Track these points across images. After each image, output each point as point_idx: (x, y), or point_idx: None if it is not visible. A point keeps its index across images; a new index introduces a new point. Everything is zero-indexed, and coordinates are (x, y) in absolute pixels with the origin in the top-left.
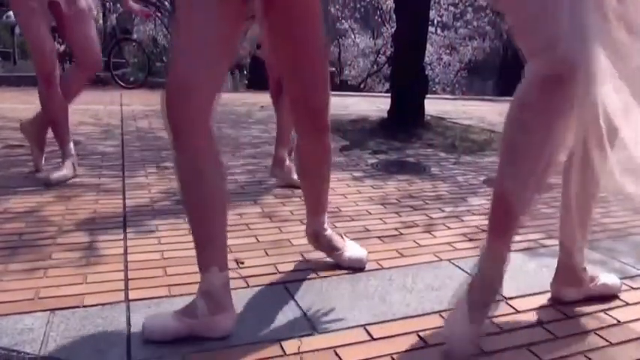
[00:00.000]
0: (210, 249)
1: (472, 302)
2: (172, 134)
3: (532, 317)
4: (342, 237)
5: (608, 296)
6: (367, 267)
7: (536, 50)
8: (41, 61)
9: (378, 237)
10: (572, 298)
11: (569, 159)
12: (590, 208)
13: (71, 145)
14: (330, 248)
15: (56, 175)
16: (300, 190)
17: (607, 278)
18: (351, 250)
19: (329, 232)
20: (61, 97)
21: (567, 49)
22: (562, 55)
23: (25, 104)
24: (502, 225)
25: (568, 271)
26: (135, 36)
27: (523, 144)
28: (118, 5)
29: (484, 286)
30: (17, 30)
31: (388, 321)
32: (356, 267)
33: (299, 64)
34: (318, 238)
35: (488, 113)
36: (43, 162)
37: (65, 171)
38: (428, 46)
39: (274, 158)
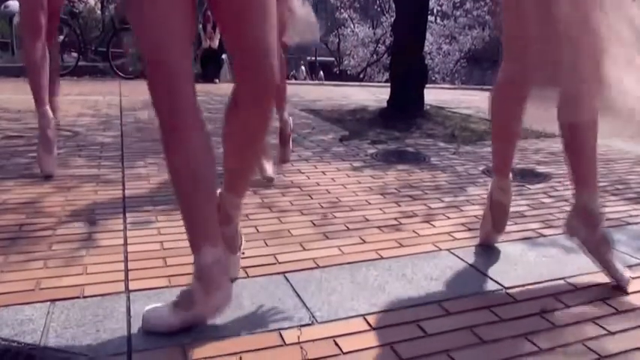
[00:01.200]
0: (201, 229)
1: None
2: (165, 121)
3: (531, 306)
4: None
5: (611, 282)
6: (367, 257)
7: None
8: (29, 11)
9: (378, 227)
10: (580, 236)
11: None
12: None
13: (48, 107)
14: (231, 245)
15: (52, 163)
16: (300, 181)
17: (621, 267)
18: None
19: (239, 226)
20: (44, 51)
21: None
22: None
23: (24, 94)
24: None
25: (581, 210)
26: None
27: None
28: None
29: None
30: (15, 20)
31: (387, 311)
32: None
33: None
34: (228, 221)
35: (488, 103)
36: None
37: (52, 157)
38: (427, 35)
39: None
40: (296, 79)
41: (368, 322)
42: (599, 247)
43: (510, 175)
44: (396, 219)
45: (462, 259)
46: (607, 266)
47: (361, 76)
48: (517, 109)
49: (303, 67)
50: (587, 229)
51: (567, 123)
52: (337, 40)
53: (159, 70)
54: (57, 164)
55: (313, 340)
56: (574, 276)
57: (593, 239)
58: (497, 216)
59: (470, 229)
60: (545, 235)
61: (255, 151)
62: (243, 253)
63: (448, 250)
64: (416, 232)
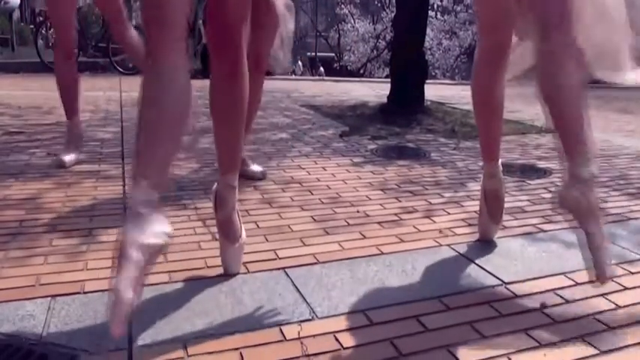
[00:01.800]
0: (144, 162)
1: None
2: (150, 48)
3: (531, 302)
4: (242, 227)
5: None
6: (367, 252)
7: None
8: (64, 31)
9: (378, 222)
10: (571, 203)
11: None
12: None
13: (79, 117)
14: (227, 232)
15: (68, 158)
16: (300, 176)
17: (608, 259)
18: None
19: (236, 215)
20: (75, 70)
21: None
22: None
23: (24, 90)
24: None
25: (571, 176)
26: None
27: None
28: None
29: None
30: (15, 16)
31: (388, 306)
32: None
33: None
34: (222, 205)
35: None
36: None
37: (75, 154)
38: (428, 30)
39: None
40: (295, 73)
41: (368, 318)
42: (589, 218)
43: (500, 161)
44: (396, 214)
45: (462, 255)
46: (594, 246)
47: (361, 71)
48: (497, 78)
49: (300, 62)
50: (581, 191)
51: (546, 85)
52: (337, 35)
53: (156, 22)
54: (57, 162)
55: (314, 336)
56: (574, 271)
57: (584, 208)
58: (491, 205)
59: (470, 225)
60: (545, 231)
61: (237, 119)
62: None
63: (448, 245)
64: (416, 228)
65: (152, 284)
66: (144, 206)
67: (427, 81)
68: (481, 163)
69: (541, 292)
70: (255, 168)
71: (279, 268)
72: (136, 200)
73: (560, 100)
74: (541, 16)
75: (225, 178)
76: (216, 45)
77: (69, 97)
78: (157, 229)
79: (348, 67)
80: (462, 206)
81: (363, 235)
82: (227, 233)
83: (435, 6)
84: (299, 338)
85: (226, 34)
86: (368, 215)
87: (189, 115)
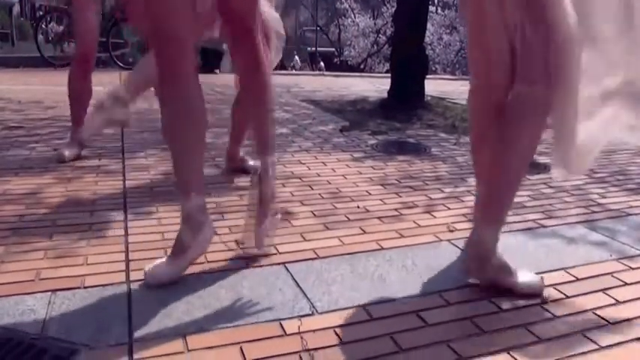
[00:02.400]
0: (192, 177)
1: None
2: (163, 74)
3: (531, 297)
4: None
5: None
6: (367, 247)
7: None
8: (81, 42)
9: (378, 217)
10: (479, 277)
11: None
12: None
13: (84, 126)
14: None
15: (69, 152)
16: (300, 172)
17: (526, 277)
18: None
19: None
20: (90, 81)
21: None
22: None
23: (24, 85)
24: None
25: (475, 242)
26: None
27: None
28: None
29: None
30: (15, 11)
31: (388, 301)
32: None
33: None
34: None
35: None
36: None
37: (76, 149)
38: (428, 25)
39: (228, 153)
40: (294, 68)
41: (368, 313)
42: (499, 278)
43: None
44: (396, 210)
45: (462, 250)
46: (524, 292)
47: (362, 66)
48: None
49: (297, 57)
50: (482, 271)
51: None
52: (338, 30)
53: (163, 34)
54: (58, 156)
55: (314, 331)
56: (574, 267)
57: (489, 273)
58: None
59: (470, 220)
60: (545, 226)
61: (265, 107)
62: (243, 244)
63: (448, 240)
64: (416, 223)
65: None
66: (198, 213)
67: (427, 76)
68: None
69: None
70: (256, 163)
71: (279, 263)
72: (191, 209)
73: (510, 148)
74: (527, 66)
75: (263, 156)
76: (235, 43)
77: (79, 108)
78: (206, 235)
79: (349, 62)
80: (463, 201)
81: (363, 230)
82: (263, 209)
83: (436, 1)
84: (299, 333)
85: (243, 31)
86: (368, 210)
87: (206, 123)
